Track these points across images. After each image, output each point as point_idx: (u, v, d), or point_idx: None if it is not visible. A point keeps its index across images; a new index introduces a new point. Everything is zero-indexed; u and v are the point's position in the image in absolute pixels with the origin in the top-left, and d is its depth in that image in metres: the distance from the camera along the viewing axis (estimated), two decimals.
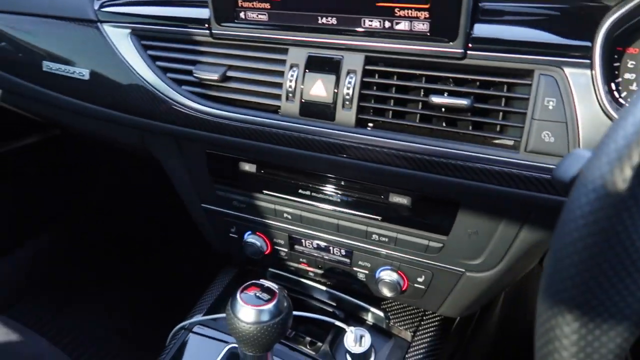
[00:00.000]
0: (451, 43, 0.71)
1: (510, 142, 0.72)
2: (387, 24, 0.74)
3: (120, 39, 0.96)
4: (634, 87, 0.66)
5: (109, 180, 2.14)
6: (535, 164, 0.69)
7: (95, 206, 2.09)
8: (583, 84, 0.66)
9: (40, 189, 1.91)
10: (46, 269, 1.85)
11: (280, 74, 0.83)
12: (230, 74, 0.88)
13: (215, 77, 0.87)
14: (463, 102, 0.71)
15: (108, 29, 0.97)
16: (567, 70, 0.66)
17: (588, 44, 0.65)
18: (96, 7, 0.98)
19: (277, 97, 0.84)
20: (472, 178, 0.75)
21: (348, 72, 0.78)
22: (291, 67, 0.82)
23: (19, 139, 1.85)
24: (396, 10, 0.72)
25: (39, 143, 1.88)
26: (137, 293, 1.77)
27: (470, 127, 0.74)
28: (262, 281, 0.79)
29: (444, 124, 0.76)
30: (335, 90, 0.79)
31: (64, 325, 1.61)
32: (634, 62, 0.66)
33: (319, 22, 0.78)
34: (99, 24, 0.98)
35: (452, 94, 0.74)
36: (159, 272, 1.86)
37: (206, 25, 0.87)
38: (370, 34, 0.75)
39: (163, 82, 0.92)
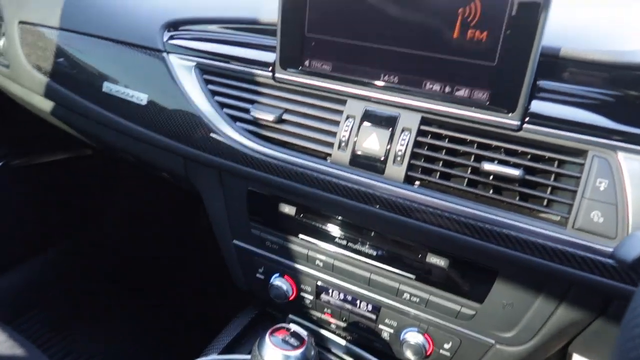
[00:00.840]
0: (510, 115, 0.73)
1: (557, 218, 0.73)
2: (448, 89, 0.77)
3: (184, 71, 1.01)
4: None
5: (132, 204, 2.17)
6: (581, 242, 0.70)
7: (114, 227, 2.11)
8: (636, 169, 0.67)
9: (60, 204, 1.93)
10: (57, 284, 1.85)
11: (336, 123, 0.86)
12: (286, 117, 0.91)
13: (271, 117, 0.90)
14: (515, 172, 0.73)
15: (173, 59, 1.02)
16: (621, 155, 0.68)
17: None
18: (165, 39, 1.04)
19: (330, 144, 0.86)
20: (514, 248, 0.75)
21: (403, 130, 0.81)
22: (347, 117, 0.85)
23: (51, 154, 1.90)
24: (459, 78, 0.75)
25: (68, 159, 1.92)
26: (147, 323, 1.75)
27: (517, 198, 0.76)
28: (292, 325, 0.78)
29: (491, 192, 0.77)
30: (389, 146, 0.81)
31: (69, 346, 1.59)
32: None
33: (381, 79, 0.81)
34: (165, 54, 1.03)
35: (501, 162, 0.76)
36: (174, 303, 1.85)
37: (270, 68, 0.91)
38: (429, 96, 0.78)
39: (219, 116, 0.96)
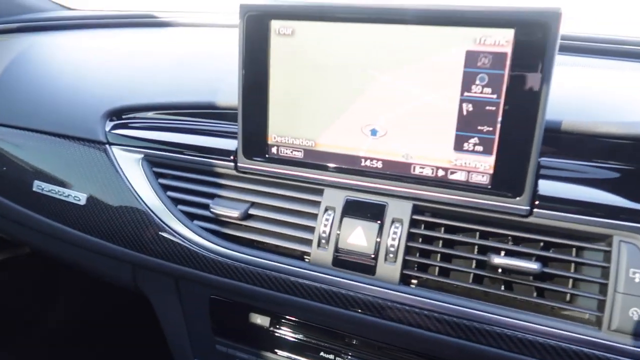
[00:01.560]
0: (517, 199, 0.63)
1: (586, 316, 0.62)
2: (441, 173, 0.67)
3: (130, 164, 0.87)
4: None
5: (73, 312, 1.92)
6: (620, 347, 0.58)
7: (51, 333, 1.84)
8: None
9: None
10: None
11: (313, 216, 0.74)
12: (253, 211, 0.78)
13: (235, 213, 0.77)
14: (532, 265, 0.62)
15: (117, 152, 0.89)
16: None
17: None
18: (107, 129, 0.91)
19: (307, 242, 0.73)
20: (535, 355, 0.63)
21: (393, 221, 0.69)
22: (326, 209, 0.73)
23: None
24: (453, 160, 0.66)
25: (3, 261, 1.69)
26: None
27: (535, 294, 0.64)
28: None
29: (502, 288, 0.66)
30: (378, 241, 0.69)
31: None
32: None
33: (362, 164, 0.71)
34: (107, 146, 0.90)
35: (512, 254, 0.65)
36: None
37: (231, 157, 0.79)
38: (420, 180, 0.68)
39: (173, 214, 0.82)
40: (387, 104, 0.67)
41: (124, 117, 0.92)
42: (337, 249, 0.71)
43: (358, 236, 0.70)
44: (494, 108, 0.62)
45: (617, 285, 0.59)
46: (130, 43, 1.17)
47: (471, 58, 0.62)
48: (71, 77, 1.03)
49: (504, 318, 0.64)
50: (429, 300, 0.67)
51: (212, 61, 1.00)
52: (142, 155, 0.87)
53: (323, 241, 0.72)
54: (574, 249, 0.63)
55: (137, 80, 0.96)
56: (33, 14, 1.36)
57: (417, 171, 0.68)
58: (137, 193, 0.84)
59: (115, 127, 0.91)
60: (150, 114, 0.91)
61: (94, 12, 1.37)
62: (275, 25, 0.70)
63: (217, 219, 0.80)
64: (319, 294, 0.72)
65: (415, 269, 0.69)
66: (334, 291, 0.71)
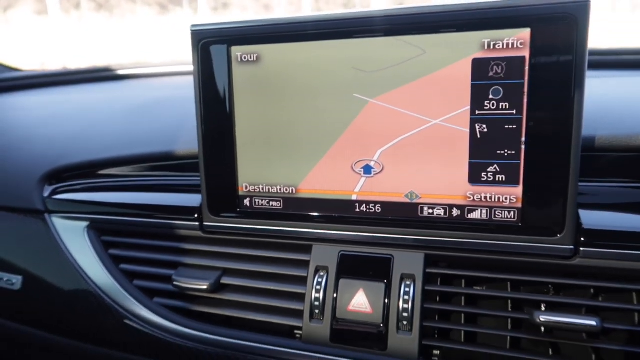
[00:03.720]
0: (557, 237, 0.50)
1: None
2: (456, 212, 0.54)
3: (72, 235, 0.72)
4: None
5: None
6: None
7: None
8: None
9: None
10: None
11: (301, 280, 0.59)
12: (226, 281, 0.63)
13: (204, 285, 0.62)
14: (588, 322, 0.48)
15: (57, 221, 0.73)
16: None
17: None
18: (46, 194, 0.76)
19: (297, 314, 0.58)
20: None
21: (402, 278, 0.55)
22: (317, 270, 0.58)
23: None
24: (469, 195, 0.53)
25: None
26: None
27: (594, 356, 0.50)
28: None
29: (550, 352, 0.51)
30: (387, 302, 0.54)
31: None
32: None
33: (357, 210, 0.57)
34: (46, 215, 0.74)
35: (554, 307, 0.51)
36: None
37: (195, 215, 0.65)
38: (431, 224, 0.55)
39: (126, 292, 0.66)
40: (381, 133, 0.54)
41: (65, 179, 0.77)
42: (335, 320, 0.56)
43: (360, 301, 0.56)
44: (514, 126, 0.50)
45: None
46: (75, 99, 1.04)
47: (480, 67, 0.50)
48: (5, 139, 0.88)
49: None
50: None
51: (166, 109, 0.87)
52: (88, 223, 0.71)
53: (317, 311, 0.57)
54: (634, 294, 0.50)
55: (82, 136, 0.82)
56: None
57: (426, 212, 0.55)
58: (82, 269, 0.69)
59: (55, 191, 0.76)
60: (96, 173, 0.76)
61: (38, 72, 1.25)
62: (237, 51, 0.58)
63: (182, 294, 0.64)
64: None
65: (436, 336, 0.55)
66: None
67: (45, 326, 0.72)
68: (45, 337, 0.73)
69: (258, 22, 0.57)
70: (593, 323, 0.48)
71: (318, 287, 0.57)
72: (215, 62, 0.59)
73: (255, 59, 0.57)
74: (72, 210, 0.73)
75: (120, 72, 1.14)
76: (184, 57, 1.12)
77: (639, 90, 0.69)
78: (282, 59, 0.56)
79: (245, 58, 0.58)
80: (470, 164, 0.52)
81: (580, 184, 0.54)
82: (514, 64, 0.49)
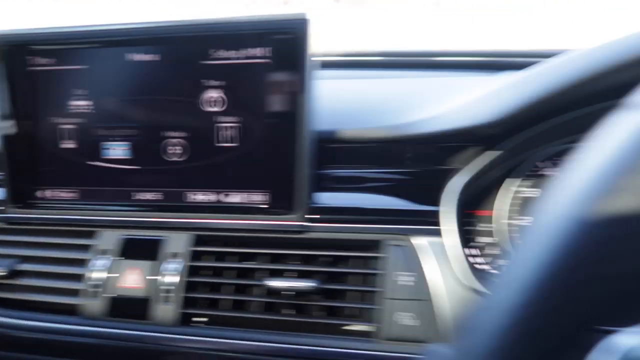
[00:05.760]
0: (291, 215, 0.60)
1: (367, 329, 0.58)
2: (217, 197, 0.63)
3: None
4: (490, 251, 0.59)
5: None
6: (393, 355, 0.55)
7: None
8: (436, 254, 0.57)
9: None
10: None
11: (84, 263, 0.65)
12: (21, 267, 0.68)
13: (2, 272, 0.67)
14: (307, 284, 0.58)
15: None
16: (416, 240, 0.57)
17: (435, 208, 0.58)
18: None
19: (75, 293, 0.64)
20: None
21: (172, 256, 0.63)
22: (99, 253, 0.65)
23: None
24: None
25: None
26: None
27: (326, 314, 0.60)
28: None
29: (295, 312, 0.61)
30: (153, 279, 0.62)
31: None
32: (487, 225, 0.59)
33: (134, 198, 0.65)
34: None
35: (291, 275, 0.61)
36: None
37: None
38: (198, 208, 0.63)
39: None
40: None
41: None
42: (108, 296, 0.63)
43: (133, 278, 0.63)
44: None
45: (386, 292, 0.56)
46: None
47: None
48: None
49: (294, 346, 0.58)
50: (212, 339, 0.60)
51: None
52: None
53: (92, 290, 0.63)
54: (349, 260, 0.60)
55: None
56: None
57: (191, 198, 0.64)
58: None
59: None
60: None
61: None
62: (33, 55, 0.65)
63: None
64: (91, 351, 0.62)
65: (198, 306, 0.62)
66: (104, 344, 0.61)
67: None
68: None
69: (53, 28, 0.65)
70: (310, 284, 0.57)
71: (96, 268, 0.64)
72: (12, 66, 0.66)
73: (52, 63, 0.65)
74: None
75: None
76: None
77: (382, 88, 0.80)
78: (72, 63, 0.64)
79: (41, 62, 0.65)
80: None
81: (323, 171, 0.64)
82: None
